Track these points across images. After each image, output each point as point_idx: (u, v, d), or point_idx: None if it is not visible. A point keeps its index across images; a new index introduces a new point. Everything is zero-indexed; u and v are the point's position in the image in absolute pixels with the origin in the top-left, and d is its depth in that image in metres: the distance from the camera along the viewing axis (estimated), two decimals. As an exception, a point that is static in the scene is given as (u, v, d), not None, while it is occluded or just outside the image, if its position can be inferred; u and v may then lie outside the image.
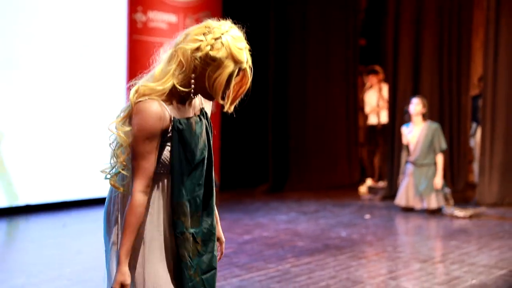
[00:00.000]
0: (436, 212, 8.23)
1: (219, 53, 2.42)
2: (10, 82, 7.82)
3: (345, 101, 11.31)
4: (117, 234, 2.55)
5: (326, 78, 11.06)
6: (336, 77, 11.16)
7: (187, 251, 2.53)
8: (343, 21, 11.15)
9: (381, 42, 11.45)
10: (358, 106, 11.42)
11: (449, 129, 9.83)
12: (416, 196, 8.37)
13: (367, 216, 8.16)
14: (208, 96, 2.53)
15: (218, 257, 2.82)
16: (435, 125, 8.51)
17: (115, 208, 2.58)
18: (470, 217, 8.03)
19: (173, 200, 2.52)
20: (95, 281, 5.07)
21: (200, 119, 2.58)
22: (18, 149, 7.89)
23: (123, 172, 2.54)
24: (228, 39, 2.43)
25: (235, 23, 2.52)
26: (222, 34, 2.44)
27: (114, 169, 2.57)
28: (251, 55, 2.59)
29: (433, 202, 8.26)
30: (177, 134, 2.49)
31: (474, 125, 10.49)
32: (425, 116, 8.53)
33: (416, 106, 8.48)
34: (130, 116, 2.49)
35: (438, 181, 8.28)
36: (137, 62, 8.48)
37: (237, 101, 2.59)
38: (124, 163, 2.53)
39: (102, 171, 2.60)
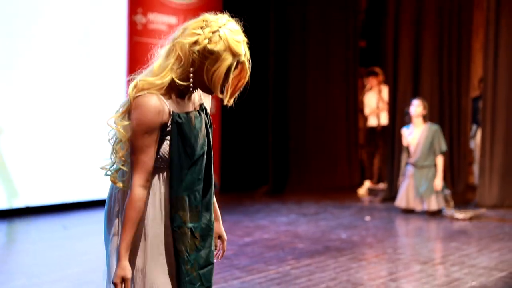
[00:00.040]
0: (436, 214, 8.24)
1: (217, 46, 2.43)
2: (10, 84, 7.82)
3: (345, 102, 11.31)
4: (118, 229, 2.55)
5: (326, 79, 11.07)
6: (336, 78, 11.16)
7: (185, 246, 2.53)
8: (343, 22, 11.15)
9: (381, 44, 11.45)
10: (358, 108, 11.42)
11: (449, 130, 9.82)
12: (416, 197, 8.37)
13: (368, 218, 8.16)
14: (207, 90, 2.53)
15: (220, 255, 2.83)
16: (435, 127, 8.51)
17: (116, 204, 2.58)
18: (470, 219, 8.03)
19: (171, 194, 2.52)
20: (96, 282, 5.07)
21: (200, 114, 2.58)
22: (19, 151, 7.89)
23: (123, 168, 2.54)
24: (226, 32, 2.44)
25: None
26: (220, 27, 2.45)
27: (114, 166, 2.58)
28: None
29: (433, 204, 8.26)
30: (177, 128, 2.49)
31: (474, 127, 10.49)
32: (425, 118, 8.54)
33: (416, 107, 8.48)
34: (129, 111, 2.49)
35: (438, 182, 8.29)
36: (137, 64, 8.44)
37: (236, 94, 2.60)
38: (124, 158, 2.53)
39: (102, 168, 2.61)
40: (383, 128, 10.56)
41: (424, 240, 7.03)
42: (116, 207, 2.58)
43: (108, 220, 2.61)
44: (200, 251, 2.57)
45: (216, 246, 2.84)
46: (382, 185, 10.41)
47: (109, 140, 2.57)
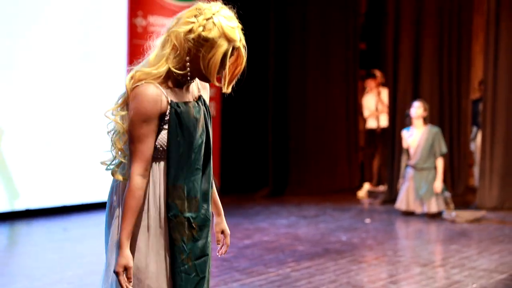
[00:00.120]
0: (437, 216, 8.24)
1: (212, 33, 2.44)
2: (11, 87, 7.83)
3: (345, 102, 11.31)
4: (118, 222, 2.55)
5: (326, 79, 11.07)
6: (336, 78, 11.17)
7: (181, 235, 2.52)
8: (343, 22, 11.16)
9: (381, 46, 11.46)
10: (358, 109, 11.42)
11: (449, 133, 9.83)
12: (416, 200, 8.37)
13: (367, 220, 8.17)
14: (204, 78, 2.54)
15: (224, 250, 2.84)
16: (435, 129, 8.52)
17: (116, 197, 2.58)
18: (471, 221, 8.03)
19: (168, 183, 2.52)
20: (97, 285, 5.06)
21: (198, 105, 2.59)
22: (20, 154, 7.89)
23: (123, 160, 2.55)
24: (220, 19, 2.46)
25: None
26: (213, 14, 2.46)
27: (115, 160, 2.59)
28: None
29: (433, 206, 8.27)
30: (175, 117, 2.50)
31: (474, 129, 10.50)
32: (426, 120, 8.54)
33: (417, 109, 8.49)
34: (127, 102, 2.51)
35: (438, 185, 8.29)
36: (137, 67, 8.46)
37: (234, 82, 2.60)
38: (123, 150, 2.55)
39: (102, 163, 2.62)
40: (383, 130, 10.57)
41: (424, 242, 7.04)
42: (116, 200, 2.58)
43: (109, 215, 2.61)
44: (197, 241, 2.57)
45: (219, 241, 2.84)
46: (382, 187, 10.42)
47: (108, 132, 2.59)
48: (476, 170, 10.37)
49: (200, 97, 2.63)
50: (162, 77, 2.49)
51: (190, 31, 2.46)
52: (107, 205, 2.64)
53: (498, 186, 9.00)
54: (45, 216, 8.00)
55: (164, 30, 2.54)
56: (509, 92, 9.01)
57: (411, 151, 8.53)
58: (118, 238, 2.50)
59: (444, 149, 8.45)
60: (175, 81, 2.53)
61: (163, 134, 2.51)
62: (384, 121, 10.56)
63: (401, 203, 8.50)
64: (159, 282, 2.53)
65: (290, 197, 10.15)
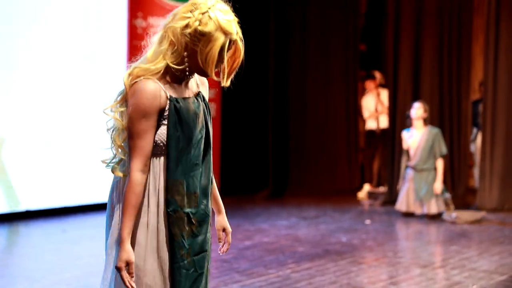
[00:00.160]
0: (437, 217, 8.23)
1: (208, 27, 2.45)
2: (10, 88, 7.83)
3: (345, 102, 11.30)
4: (118, 220, 2.54)
5: (326, 79, 11.07)
6: (336, 78, 11.17)
7: (180, 230, 2.52)
8: (343, 22, 11.16)
9: (381, 47, 11.46)
10: (358, 110, 11.41)
11: (449, 134, 9.83)
12: (416, 201, 8.36)
13: (368, 222, 8.16)
14: (203, 73, 2.54)
15: (225, 248, 2.83)
16: (435, 130, 8.51)
17: (117, 193, 2.58)
18: (471, 222, 8.02)
19: (168, 178, 2.52)
20: (96, 286, 5.07)
21: (197, 100, 2.59)
22: (19, 155, 7.89)
23: (123, 158, 2.55)
24: (216, 12, 2.47)
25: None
26: (209, 8, 2.47)
27: (115, 158, 2.59)
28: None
29: (433, 207, 8.26)
30: (174, 112, 2.50)
31: (474, 130, 10.50)
32: (426, 121, 8.54)
33: (417, 110, 8.48)
34: (125, 99, 2.51)
35: (438, 186, 8.28)
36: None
37: (232, 75, 2.60)
38: (122, 146, 2.55)
39: (102, 161, 2.62)
40: (383, 131, 10.57)
41: (424, 243, 7.03)
42: (117, 197, 2.58)
43: (109, 213, 2.61)
44: (196, 237, 2.56)
45: (220, 239, 2.83)
46: (382, 189, 10.41)
47: (108, 130, 2.59)
48: (476, 171, 10.37)
49: (199, 93, 2.63)
50: (160, 72, 2.50)
51: (187, 26, 2.47)
52: (108, 203, 2.63)
53: (498, 187, 9.00)
54: (44, 217, 7.99)
55: (161, 27, 2.55)
56: (509, 93, 9.01)
57: (411, 152, 8.52)
58: (119, 235, 2.50)
59: (444, 150, 8.45)
60: (174, 76, 2.53)
61: (163, 130, 2.51)
62: (383, 122, 10.56)
63: (401, 204, 8.49)
64: (157, 279, 2.52)
65: (290, 198, 10.15)
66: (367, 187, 10.52)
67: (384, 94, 10.56)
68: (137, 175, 2.47)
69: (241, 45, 2.55)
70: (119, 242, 2.47)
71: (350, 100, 11.32)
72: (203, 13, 2.46)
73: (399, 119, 9.55)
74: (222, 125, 10.16)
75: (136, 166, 2.47)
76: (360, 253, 6.45)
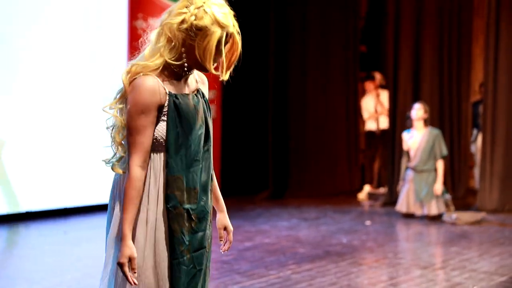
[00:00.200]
0: (437, 219, 8.23)
1: (204, 21, 2.46)
2: (10, 88, 7.83)
3: (345, 102, 11.29)
4: (118, 215, 2.54)
5: (326, 79, 11.07)
6: (336, 79, 11.16)
7: (180, 226, 2.52)
8: (343, 22, 11.16)
9: (381, 49, 11.47)
10: (358, 111, 11.40)
11: (449, 135, 9.83)
12: (416, 202, 8.36)
13: (368, 223, 8.16)
14: (202, 68, 2.54)
15: (227, 247, 2.82)
16: (436, 131, 8.51)
17: (117, 192, 2.58)
18: (471, 223, 8.02)
19: (168, 174, 2.52)
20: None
21: (197, 97, 2.60)
22: (19, 156, 7.89)
23: (123, 155, 2.56)
24: (211, 6, 2.48)
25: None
26: (204, 3, 2.48)
27: (115, 156, 2.60)
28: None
29: (433, 208, 8.26)
30: (174, 108, 2.51)
31: (475, 131, 10.50)
32: (426, 122, 8.54)
33: (417, 111, 8.49)
34: (125, 97, 2.52)
35: (438, 187, 8.28)
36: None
37: (231, 69, 2.60)
38: (122, 143, 2.55)
39: (103, 160, 2.63)
40: (382, 132, 10.57)
41: (424, 244, 7.03)
42: (117, 195, 2.58)
43: (110, 212, 2.61)
44: (196, 233, 2.56)
45: (221, 237, 2.83)
46: (382, 190, 10.41)
47: (107, 128, 2.60)
48: (476, 172, 10.37)
49: (198, 90, 2.63)
50: (159, 69, 2.50)
51: (183, 21, 2.48)
52: (109, 202, 2.63)
53: (499, 188, 8.99)
54: (44, 218, 7.99)
55: (157, 24, 2.56)
56: (509, 94, 9.01)
57: (411, 153, 8.52)
58: (118, 231, 2.50)
59: (444, 151, 8.45)
60: (173, 73, 2.54)
61: (162, 126, 2.51)
62: (383, 123, 10.56)
63: (401, 206, 8.49)
64: (156, 275, 2.52)
65: (290, 199, 10.15)
66: (367, 188, 10.53)
67: (384, 95, 10.57)
68: (136, 171, 2.47)
69: (238, 38, 2.55)
70: (120, 238, 2.47)
71: (350, 101, 11.32)
72: (198, 8, 2.47)
73: (399, 120, 9.56)
74: (222, 126, 10.16)
75: (136, 161, 2.48)
76: (361, 254, 6.45)
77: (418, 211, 8.37)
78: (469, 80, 10.08)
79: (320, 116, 11.01)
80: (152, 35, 2.56)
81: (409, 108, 8.83)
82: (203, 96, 2.64)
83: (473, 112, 10.53)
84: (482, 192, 9.07)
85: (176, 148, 2.51)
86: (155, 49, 2.51)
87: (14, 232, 7.54)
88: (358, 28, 11.50)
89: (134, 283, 2.46)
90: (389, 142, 9.96)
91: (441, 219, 8.21)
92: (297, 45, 10.79)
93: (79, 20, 8.40)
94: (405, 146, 8.62)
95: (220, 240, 2.84)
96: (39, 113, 8.04)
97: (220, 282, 5.19)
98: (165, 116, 2.51)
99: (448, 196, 8.41)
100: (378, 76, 10.86)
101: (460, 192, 9.99)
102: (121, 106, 2.54)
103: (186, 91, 2.58)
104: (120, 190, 2.55)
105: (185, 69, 2.54)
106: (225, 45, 2.52)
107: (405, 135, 8.63)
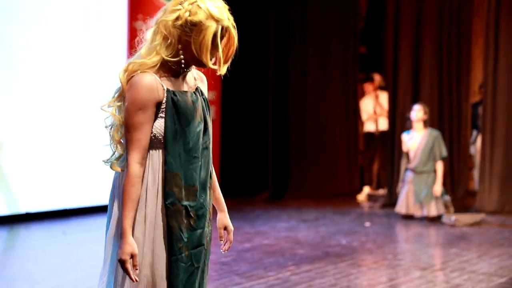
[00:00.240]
0: (436, 220, 8.24)
1: (198, 16, 2.46)
2: (9, 89, 7.84)
3: (345, 102, 11.30)
4: (117, 210, 2.55)
5: (326, 79, 11.08)
6: (336, 79, 11.18)
7: (178, 223, 2.52)
8: (343, 22, 11.17)
9: (381, 50, 11.48)
10: (357, 112, 11.41)
11: (449, 136, 9.84)
12: (415, 203, 8.37)
13: (367, 224, 8.16)
14: (199, 63, 2.55)
15: (227, 246, 2.83)
16: (435, 133, 8.52)
17: (116, 190, 2.58)
18: (470, 224, 8.03)
19: (166, 171, 2.52)
20: (96, 289, 5.07)
21: (196, 95, 2.60)
22: (18, 157, 7.89)
23: (122, 153, 2.57)
24: (205, 1, 2.48)
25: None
26: None
27: (114, 155, 2.60)
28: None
29: (433, 209, 8.27)
30: (172, 105, 2.51)
31: (474, 132, 10.50)
32: (426, 123, 8.55)
33: (417, 112, 8.49)
34: (123, 96, 2.53)
35: (438, 188, 8.29)
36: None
37: (228, 63, 2.59)
38: (121, 142, 2.56)
39: (103, 160, 2.63)
40: (382, 133, 10.58)
41: (424, 246, 7.04)
42: (117, 194, 2.58)
43: (110, 210, 2.61)
44: (195, 230, 2.56)
45: (221, 237, 2.83)
46: (381, 191, 10.42)
47: (106, 127, 2.61)
48: (476, 174, 10.37)
49: (197, 88, 2.64)
50: (156, 66, 2.51)
51: (177, 18, 2.48)
52: (109, 202, 2.63)
53: (498, 189, 9.00)
54: (44, 219, 8.00)
55: (153, 22, 2.56)
56: (509, 96, 9.02)
57: (411, 154, 8.53)
58: (117, 229, 2.51)
59: (444, 152, 8.45)
60: (171, 70, 2.55)
61: (161, 122, 2.52)
62: (382, 125, 10.57)
63: (401, 207, 8.50)
64: (154, 272, 2.52)
65: (290, 201, 10.16)
66: (366, 190, 10.53)
67: (383, 96, 10.58)
68: (135, 167, 2.48)
69: (234, 32, 2.55)
70: (120, 235, 2.46)
71: (349, 101, 11.33)
72: (192, 4, 2.47)
73: (399, 121, 9.56)
74: (222, 127, 10.17)
75: (134, 158, 2.48)
76: (360, 255, 6.45)
77: (417, 213, 8.37)
78: (468, 81, 10.09)
79: (320, 116, 11.02)
80: (147, 34, 2.57)
81: (409, 109, 8.84)
82: (202, 94, 2.65)
83: (472, 114, 10.53)
84: (482, 193, 9.07)
85: (174, 144, 2.52)
86: (151, 47, 2.53)
87: (14, 233, 7.55)
88: (358, 28, 11.51)
89: (136, 280, 2.46)
90: (388, 143, 9.97)
91: (441, 220, 8.22)
92: (297, 45, 10.80)
93: (79, 21, 8.40)
94: (404, 147, 8.63)
95: (220, 240, 2.84)
96: (38, 114, 8.05)
97: (220, 284, 5.19)
98: (163, 112, 2.51)
99: (447, 198, 8.42)
100: (377, 77, 10.86)
101: (459, 193, 9.99)
102: (119, 104, 2.55)
103: (185, 88, 2.58)
104: (119, 188, 2.55)
105: (182, 65, 2.54)
106: (221, 39, 2.52)
107: (405, 136, 8.64)
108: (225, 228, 2.84)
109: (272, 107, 10.59)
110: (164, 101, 2.51)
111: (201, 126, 2.58)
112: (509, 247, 6.76)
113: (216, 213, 2.84)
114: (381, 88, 10.78)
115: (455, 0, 9.90)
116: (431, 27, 9.84)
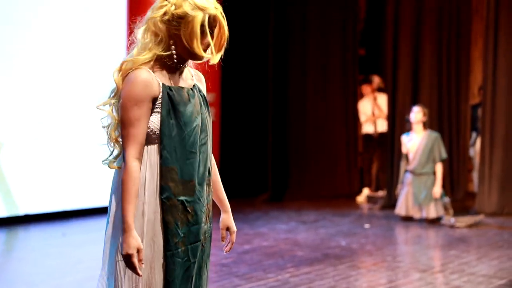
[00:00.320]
0: (435, 222, 8.23)
1: (184, 8, 2.48)
2: (9, 90, 7.83)
3: (345, 103, 11.29)
4: (115, 207, 2.55)
5: (326, 80, 11.08)
6: (336, 79, 11.17)
7: (174, 218, 2.51)
8: (343, 22, 11.16)
9: (380, 52, 11.48)
10: (357, 113, 11.40)
11: (448, 138, 9.84)
12: (415, 205, 8.37)
13: (367, 226, 8.16)
14: (192, 55, 2.55)
15: (228, 247, 2.82)
16: (435, 134, 8.53)
17: (115, 187, 2.58)
18: (469, 226, 8.03)
19: (162, 165, 2.52)
20: (95, 291, 5.07)
21: (193, 91, 2.61)
22: (18, 159, 7.89)
23: (120, 152, 2.56)
24: None
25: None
26: None
27: (111, 155, 2.61)
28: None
29: (432, 211, 8.26)
30: (168, 100, 2.52)
31: (474, 134, 10.50)
32: (425, 125, 8.55)
33: (416, 114, 8.49)
34: (118, 95, 2.54)
35: (437, 190, 8.29)
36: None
37: (222, 52, 2.59)
38: (119, 140, 2.56)
39: (102, 161, 2.63)
40: (380, 135, 10.58)
41: (423, 248, 7.04)
42: (116, 193, 2.57)
43: (109, 209, 2.60)
44: (192, 226, 2.55)
45: (223, 238, 2.83)
46: (381, 193, 10.42)
47: (103, 127, 2.61)
48: (475, 175, 10.37)
49: (194, 85, 2.65)
50: (151, 62, 2.53)
51: (165, 13, 2.51)
52: (109, 204, 2.63)
53: (498, 191, 9.00)
54: (43, 221, 7.99)
55: (143, 21, 2.59)
56: (508, 97, 9.02)
57: (410, 156, 8.53)
58: (114, 228, 2.51)
59: (444, 154, 8.46)
60: (165, 66, 2.56)
61: (157, 117, 2.52)
62: (381, 127, 10.57)
63: (400, 209, 8.50)
64: (152, 268, 2.51)
65: (289, 202, 10.15)
66: (366, 191, 10.53)
67: (382, 98, 10.58)
68: (132, 162, 2.47)
69: (223, 20, 2.55)
70: (122, 230, 2.45)
71: (349, 102, 11.31)
72: None
73: (398, 123, 9.56)
74: (221, 128, 10.17)
75: (131, 153, 2.48)
76: (359, 257, 6.45)
77: (416, 214, 8.37)
78: (468, 82, 10.09)
79: (320, 116, 11.02)
80: (138, 34, 2.59)
81: (408, 110, 8.84)
82: (200, 91, 2.65)
83: (472, 116, 10.53)
84: (481, 195, 9.07)
85: (170, 139, 2.52)
86: (143, 45, 2.55)
87: (13, 235, 7.55)
88: (358, 29, 11.51)
89: (141, 275, 2.45)
90: (388, 145, 9.97)
91: (440, 222, 8.22)
92: (297, 45, 10.81)
93: (78, 22, 8.40)
94: (404, 149, 8.63)
95: (222, 241, 2.83)
96: (37, 116, 8.05)
97: (219, 285, 5.19)
98: (159, 107, 2.52)
99: (446, 199, 8.42)
100: (376, 79, 10.86)
101: (459, 195, 9.99)
102: (115, 102, 2.56)
103: (181, 84, 2.59)
104: (118, 185, 2.55)
105: (175, 60, 2.55)
106: (213, 29, 2.53)
107: (404, 138, 8.64)
108: (228, 229, 2.82)
109: (272, 107, 10.59)
110: (160, 96, 2.51)
111: (198, 122, 2.58)
112: (509, 249, 6.76)
113: (218, 213, 2.83)
114: (380, 90, 10.78)
115: (454, 1, 9.90)
116: (431, 28, 9.84)
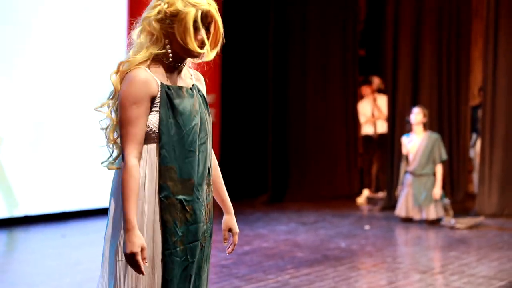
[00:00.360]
0: (435, 223, 8.23)
1: (176, 6, 2.50)
2: (9, 90, 7.83)
3: (345, 104, 11.29)
4: (115, 208, 2.54)
5: (326, 80, 11.08)
6: (336, 79, 11.17)
7: (172, 217, 2.51)
8: (343, 22, 11.16)
9: (380, 53, 11.48)
10: (356, 114, 11.40)
11: (448, 139, 9.84)
12: (415, 206, 8.37)
13: (367, 227, 8.16)
14: (188, 53, 2.55)
15: (231, 249, 2.82)
16: (435, 135, 8.52)
17: (115, 188, 2.58)
18: (470, 227, 8.03)
19: (160, 164, 2.51)
20: (95, 292, 5.06)
21: (192, 91, 2.61)
22: (18, 160, 7.89)
23: (119, 154, 2.56)
24: None
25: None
26: None
27: (111, 156, 2.61)
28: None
29: (432, 212, 8.26)
30: (166, 99, 2.52)
31: (474, 135, 10.50)
32: (425, 126, 8.55)
33: (416, 115, 8.49)
34: (116, 96, 2.55)
35: (437, 191, 8.28)
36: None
37: (217, 48, 2.60)
38: (118, 141, 2.56)
39: (102, 163, 2.63)
40: (380, 136, 10.57)
41: (423, 249, 7.03)
42: (114, 191, 2.57)
43: (109, 209, 2.60)
44: (190, 225, 2.55)
45: (226, 239, 2.82)
46: (381, 194, 10.41)
47: (102, 129, 2.61)
48: (475, 177, 10.37)
49: (194, 85, 2.65)
50: (148, 61, 2.53)
51: (158, 12, 2.53)
52: (109, 204, 2.62)
53: (498, 192, 8.99)
54: (43, 222, 7.99)
55: (139, 22, 2.60)
56: (508, 98, 9.02)
57: (410, 157, 8.52)
58: (113, 229, 2.51)
59: (444, 155, 8.45)
60: (163, 65, 2.56)
61: (156, 116, 2.52)
62: (380, 128, 10.56)
63: (400, 210, 8.49)
64: (152, 268, 2.51)
65: (289, 204, 10.15)
66: (366, 193, 10.52)
67: (382, 99, 10.58)
68: (132, 161, 2.47)
69: (217, 15, 2.55)
70: (123, 230, 2.45)
71: (349, 102, 11.32)
72: None
73: (398, 124, 9.56)
74: (221, 129, 10.17)
75: (130, 153, 2.47)
76: (359, 258, 6.45)
77: (416, 216, 8.37)
78: (468, 81, 10.09)
79: (320, 116, 11.02)
80: (134, 34, 2.60)
81: (408, 111, 8.84)
82: (199, 91, 2.66)
83: (472, 117, 10.53)
84: (481, 196, 9.07)
85: (169, 138, 2.52)
86: (139, 45, 2.55)
87: (13, 236, 7.54)
88: (358, 29, 11.51)
89: (144, 273, 2.44)
90: (388, 146, 9.97)
91: (440, 223, 8.21)
92: (297, 45, 10.81)
93: (78, 22, 8.40)
94: (404, 150, 8.62)
95: (225, 242, 2.83)
96: (38, 117, 8.05)
97: (219, 287, 5.19)
98: (158, 106, 2.52)
99: (446, 201, 8.41)
100: (376, 80, 10.86)
101: (459, 196, 9.99)
102: (113, 103, 2.57)
103: (180, 84, 2.59)
104: (118, 185, 2.54)
105: (170, 58, 2.55)
106: (208, 25, 2.54)
107: (404, 139, 8.64)
108: (230, 230, 2.82)
109: (272, 107, 10.58)
110: (158, 95, 2.52)
111: (197, 121, 2.58)
112: (509, 250, 6.76)
113: (220, 214, 2.83)
114: (379, 91, 10.77)
115: (454, 1, 9.90)
116: (431, 28, 9.84)
